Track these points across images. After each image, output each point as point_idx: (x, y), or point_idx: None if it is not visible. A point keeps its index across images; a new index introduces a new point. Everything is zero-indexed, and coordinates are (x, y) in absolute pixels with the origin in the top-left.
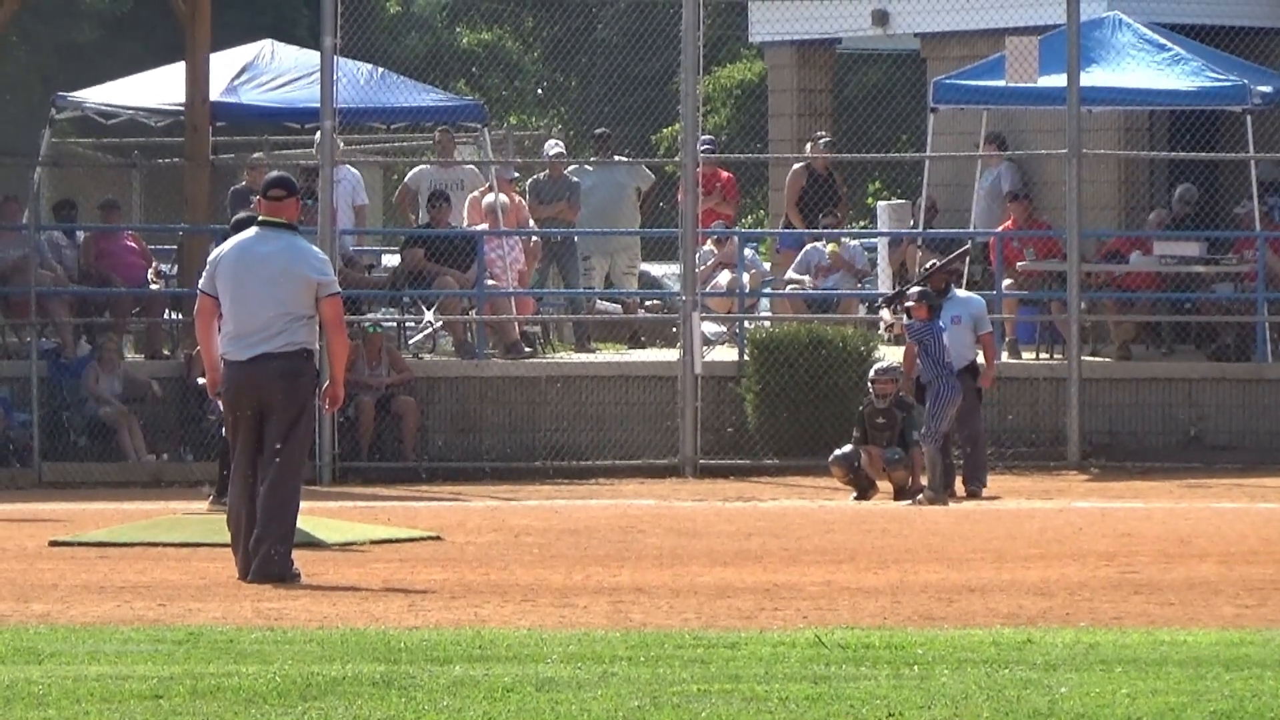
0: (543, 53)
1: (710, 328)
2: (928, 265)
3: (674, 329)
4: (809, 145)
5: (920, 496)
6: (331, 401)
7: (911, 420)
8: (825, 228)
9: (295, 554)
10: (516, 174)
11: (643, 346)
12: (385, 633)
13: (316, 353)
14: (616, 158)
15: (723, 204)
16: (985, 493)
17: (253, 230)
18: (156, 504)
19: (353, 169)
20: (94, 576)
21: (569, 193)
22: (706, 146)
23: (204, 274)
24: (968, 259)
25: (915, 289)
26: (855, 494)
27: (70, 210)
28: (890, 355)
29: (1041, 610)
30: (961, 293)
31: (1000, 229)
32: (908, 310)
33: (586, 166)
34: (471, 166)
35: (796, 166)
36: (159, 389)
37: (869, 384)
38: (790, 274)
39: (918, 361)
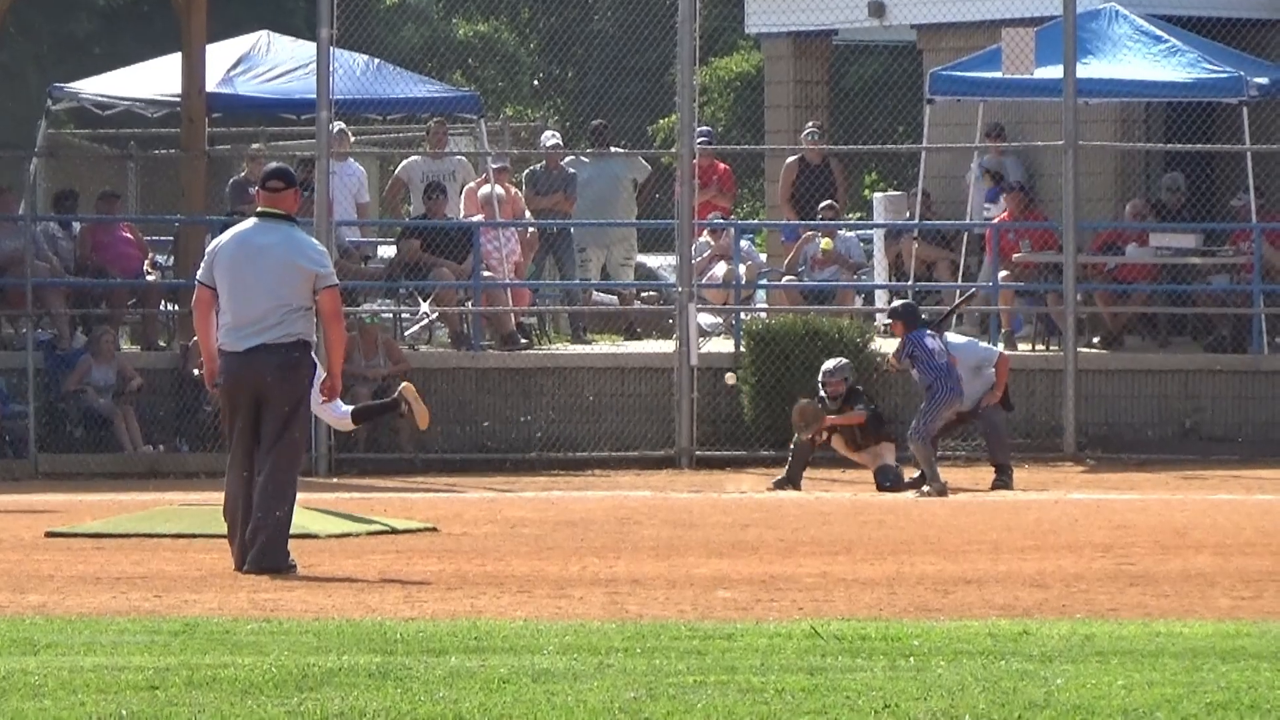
0: (539, 44)
1: (706, 319)
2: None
3: (670, 320)
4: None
5: (926, 489)
6: (329, 393)
7: (876, 416)
8: (823, 218)
9: (291, 545)
10: (506, 164)
11: (639, 338)
12: (381, 624)
13: (314, 344)
14: (613, 149)
15: (719, 196)
16: (981, 484)
17: (251, 221)
18: (153, 495)
19: (359, 165)
20: (90, 567)
21: (565, 184)
22: (704, 138)
23: (202, 265)
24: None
25: (893, 307)
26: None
27: (71, 200)
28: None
29: (1038, 602)
30: (954, 338)
31: (996, 220)
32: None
33: (583, 158)
34: (462, 157)
35: (789, 160)
36: (140, 381)
37: (819, 384)
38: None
39: (915, 372)
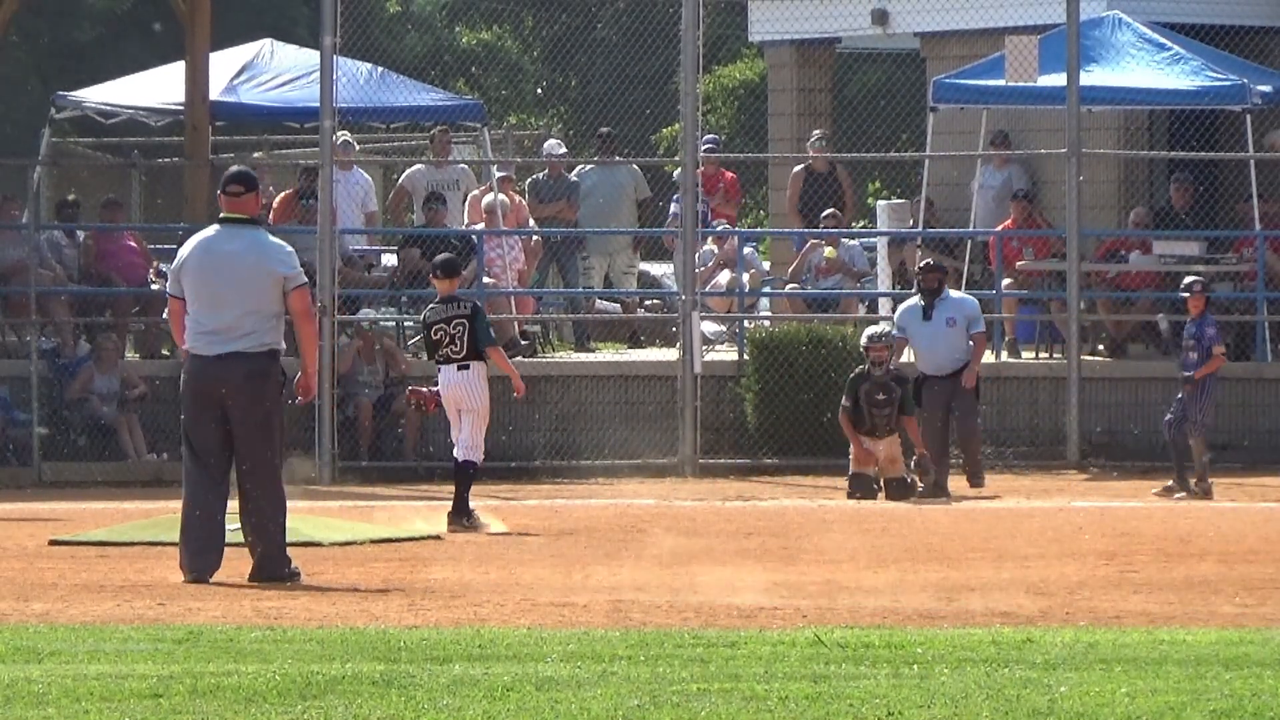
0: (542, 52)
1: (710, 327)
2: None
3: (674, 329)
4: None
5: (1194, 486)
6: (304, 392)
7: (906, 395)
8: (826, 226)
9: (295, 553)
10: (510, 172)
11: (642, 346)
12: (385, 632)
13: (282, 353)
14: (616, 157)
15: (724, 204)
16: (985, 491)
17: (214, 228)
18: (156, 503)
19: (365, 174)
20: (94, 576)
21: (568, 192)
22: (710, 145)
23: (169, 276)
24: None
25: (1195, 280)
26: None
27: (75, 209)
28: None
29: (1041, 609)
30: (955, 294)
31: (1000, 228)
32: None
33: (586, 166)
34: (465, 166)
35: (796, 169)
36: (144, 389)
37: (863, 350)
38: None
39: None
